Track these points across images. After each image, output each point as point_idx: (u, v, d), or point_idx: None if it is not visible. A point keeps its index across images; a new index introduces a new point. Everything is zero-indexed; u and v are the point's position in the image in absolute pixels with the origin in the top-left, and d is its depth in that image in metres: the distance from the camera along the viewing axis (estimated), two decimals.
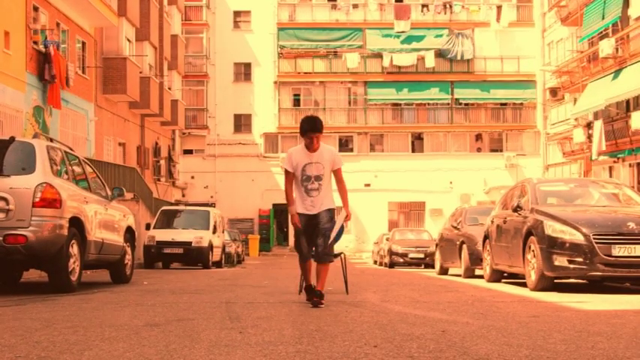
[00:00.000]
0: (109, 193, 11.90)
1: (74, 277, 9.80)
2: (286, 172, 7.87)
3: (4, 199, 8.92)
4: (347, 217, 7.88)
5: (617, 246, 10.05)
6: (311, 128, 7.73)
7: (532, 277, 10.83)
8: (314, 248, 7.84)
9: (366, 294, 9.69)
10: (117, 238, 11.92)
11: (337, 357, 4.22)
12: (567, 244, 10.27)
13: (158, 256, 22.86)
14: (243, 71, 49.33)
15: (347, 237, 44.60)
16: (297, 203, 7.85)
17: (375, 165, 47.37)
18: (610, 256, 10.04)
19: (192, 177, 47.51)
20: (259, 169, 47.72)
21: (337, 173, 7.94)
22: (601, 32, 33.73)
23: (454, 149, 48.54)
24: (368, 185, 47.13)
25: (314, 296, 7.64)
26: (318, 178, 7.77)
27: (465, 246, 15.97)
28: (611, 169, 34.16)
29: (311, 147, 7.73)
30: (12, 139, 9.61)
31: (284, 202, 8.13)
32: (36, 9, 22.80)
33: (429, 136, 48.68)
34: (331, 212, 7.86)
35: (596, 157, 33.70)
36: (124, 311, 7.04)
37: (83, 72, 26.90)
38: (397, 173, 47.22)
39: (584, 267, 10.17)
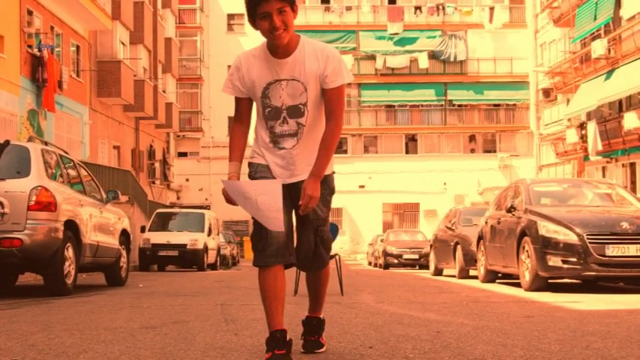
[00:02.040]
0: (104, 196, 11.92)
1: (69, 280, 9.80)
2: (236, 101, 4.08)
3: None
4: (309, 198, 3.87)
5: (610, 246, 10.09)
6: None
7: (526, 277, 10.86)
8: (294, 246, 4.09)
9: (361, 295, 9.71)
10: (112, 241, 11.93)
11: (333, 358, 4.24)
12: (561, 244, 10.31)
13: (153, 259, 22.88)
14: None
15: (341, 238, 44.64)
16: (259, 152, 4.08)
17: (369, 167, 47.40)
18: (604, 255, 10.08)
19: (187, 179, 47.48)
20: None
21: (331, 95, 3.95)
22: (593, 33, 33.82)
23: (448, 150, 48.61)
24: (362, 187, 47.15)
25: (308, 335, 4.43)
26: (294, 111, 3.98)
27: (459, 247, 16.00)
28: (604, 169, 34.24)
29: (274, 40, 3.87)
30: (7, 142, 9.62)
31: None
32: (30, 13, 22.78)
33: (423, 138, 48.73)
34: (326, 184, 4.05)
35: (594, 157, 33.75)
36: (119, 314, 7.05)
37: (77, 75, 26.87)
38: (391, 175, 47.25)
39: (578, 267, 10.21)
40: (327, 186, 4.07)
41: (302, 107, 3.96)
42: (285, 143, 3.99)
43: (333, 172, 4.15)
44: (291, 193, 4.01)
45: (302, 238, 4.12)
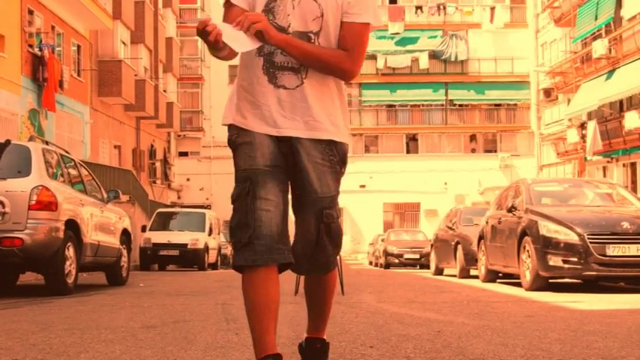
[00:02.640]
0: (105, 195, 11.92)
1: (70, 280, 9.80)
2: (229, 6, 3.07)
3: (0, 202, 8.93)
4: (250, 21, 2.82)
5: (611, 246, 10.10)
6: None
7: (527, 277, 10.86)
8: (292, 239, 3.16)
9: (362, 295, 9.71)
10: (113, 241, 11.93)
11: (333, 358, 4.24)
12: (562, 244, 10.31)
13: (154, 258, 22.91)
14: None
15: (342, 238, 44.59)
16: (239, 107, 3.07)
17: (370, 166, 47.40)
18: (604, 255, 10.09)
19: (188, 179, 47.47)
20: None
21: (350, 31, 3.08)
22: (594, 33, 33.81)
23: (449, 150, 48.63)
24: (363, 186, 47.14)
25: (310, 354, 3.48)
26: (301, 39, 3.01)
27: (460, 246, 16.01)
28: (604, 169, 34.24)
29: None
30: (7, 142, 9.63)
31: None
32: (31, 12, 22.79)
33: (424, 137, 48.75)
34: (336, 150, 3.10)
35: (591, 157, 33.79)
36: (120, 313, 7.05)
37: (78, 75, 26.88)
38: (392, 174, 47.26)
39: (579, 267, 10.21)
40: (337, 153, 3.12)
41: (312, 36, 3.01)
42: (284, 80, 2.99)
43: (347, 144, 3.19)
44: (295, 157, 3.05)
45: (300, 224, 3.13)
